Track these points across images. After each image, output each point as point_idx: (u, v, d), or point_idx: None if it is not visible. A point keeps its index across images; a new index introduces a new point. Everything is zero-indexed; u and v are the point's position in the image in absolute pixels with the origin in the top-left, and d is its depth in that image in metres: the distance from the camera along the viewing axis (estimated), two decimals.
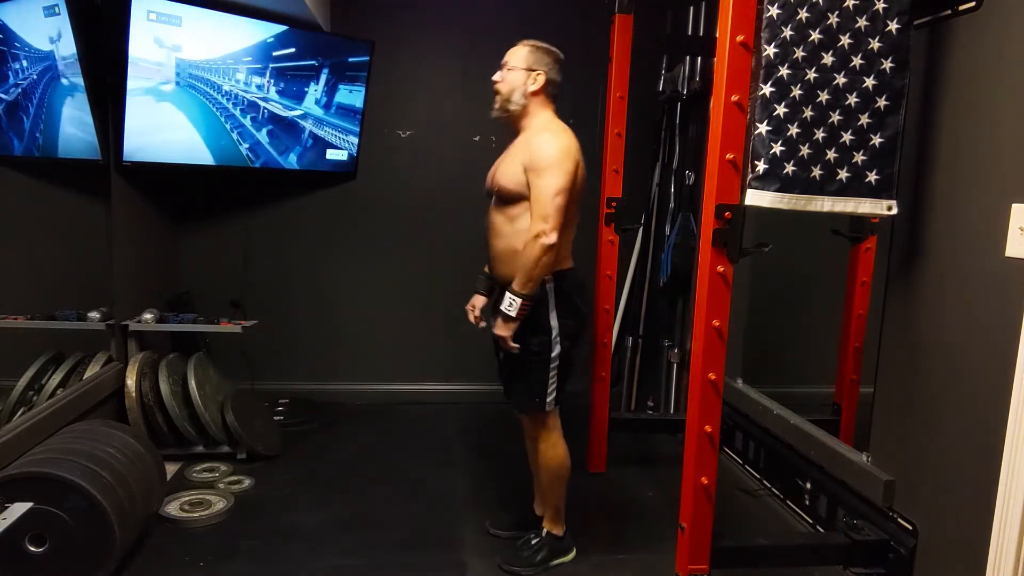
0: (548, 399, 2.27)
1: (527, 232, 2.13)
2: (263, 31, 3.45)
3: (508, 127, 2.35)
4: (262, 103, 3.56)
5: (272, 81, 3.55)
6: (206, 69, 3.33)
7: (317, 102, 3.73)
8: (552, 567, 2.39)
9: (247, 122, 3.55)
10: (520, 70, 2.26)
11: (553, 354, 2.23)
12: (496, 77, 2.31)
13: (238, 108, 3.49)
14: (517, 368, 2.28)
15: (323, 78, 3.70)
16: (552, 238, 2.08)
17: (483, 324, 2.51)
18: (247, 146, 3.59)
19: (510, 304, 2.12)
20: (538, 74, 2.25)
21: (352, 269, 4.11)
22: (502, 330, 2.17)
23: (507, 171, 2.23)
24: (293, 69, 3.60)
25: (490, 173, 2.36)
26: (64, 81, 2.85)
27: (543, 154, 2.13)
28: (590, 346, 3.13)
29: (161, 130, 3.26)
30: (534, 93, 2.26)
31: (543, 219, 2.09)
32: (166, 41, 3.15)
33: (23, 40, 2.78)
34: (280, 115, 3.64)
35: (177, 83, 3.25)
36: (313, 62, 3.65)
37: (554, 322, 2.22)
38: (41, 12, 2.76)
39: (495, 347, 2.37)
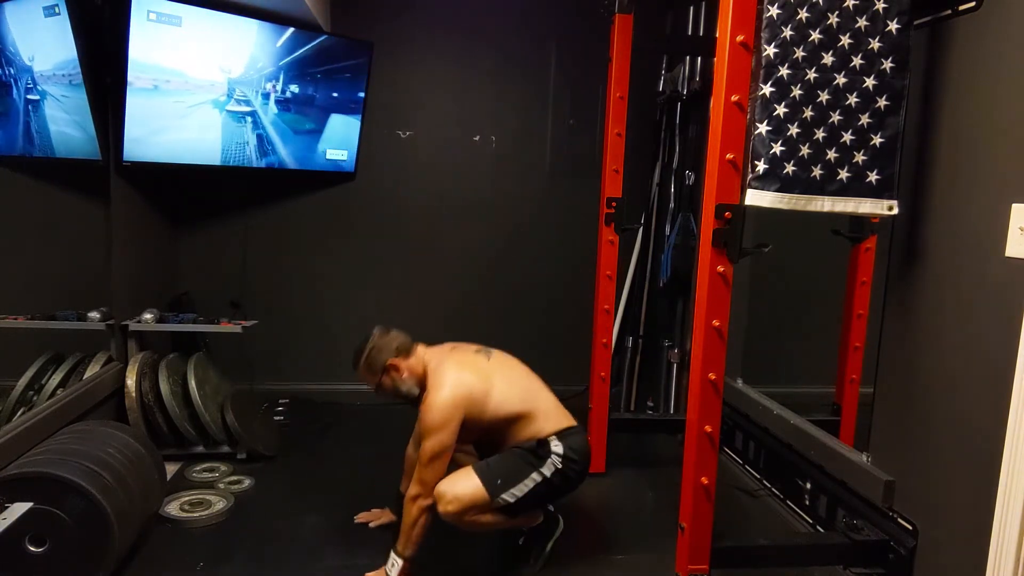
0: (506, 496, 2.19)
1: (501, 436, 2.27)
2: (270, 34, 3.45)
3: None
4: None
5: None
6: (247, 83, 3.46)
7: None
8: (550, 549, 2.40)
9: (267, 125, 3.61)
10: (380, 378, 2.32)
11: (542, 469, 2.24)
12: (380, 398, 2.40)
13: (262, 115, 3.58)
14: (508, 452, 2.28)
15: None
16: (429, 502, 2.15)
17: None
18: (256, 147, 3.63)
19: (392, 565, 2.17)
20: (388, 366, 2.30)
21: (352, 269, 4.11)
22: None
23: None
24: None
25: None
26: (42, 90, 2.86)
27: (424, 420, 2.19)
28: (590, 346, 3.14)
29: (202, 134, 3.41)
30: (402, 375, 2.31)
31: (420, 483, 2.16)
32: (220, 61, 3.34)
33: (12, 48, 2.78)
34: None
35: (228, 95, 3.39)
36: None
37: (556, 459, 2.25)
38: (41, 12, 2.76)
39: None
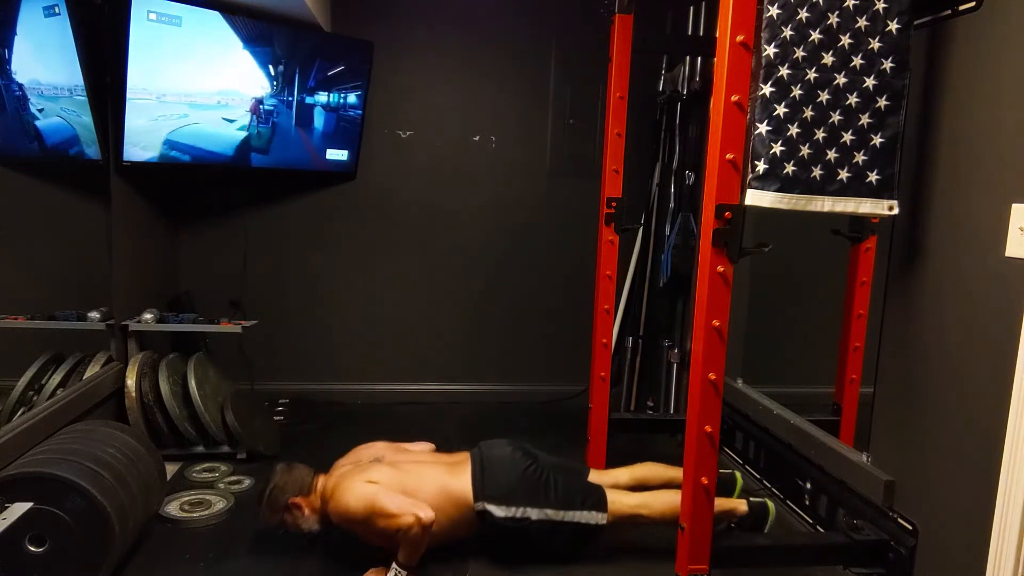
0: (501, 518, 2.31)
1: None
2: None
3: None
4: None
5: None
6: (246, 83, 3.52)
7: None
8: None
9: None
10: (283, 516, 2.34)
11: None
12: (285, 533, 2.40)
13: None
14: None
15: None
16: (423, 522, 2.18)
17: None
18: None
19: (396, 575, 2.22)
20: (288, 504, 2.32)
21: (352, 269, 4.11)
22: None
23: None
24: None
25: None
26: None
27: (355, 516, 2.25)
28: (590, 346, 3.14)
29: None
30: (303, 512, 2.34)
31: (403, 518, 2.20)
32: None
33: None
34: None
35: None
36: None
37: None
38: (41, 13, 2.76)
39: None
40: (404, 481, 2.32)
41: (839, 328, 2.98)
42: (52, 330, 3.10)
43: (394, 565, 2.22)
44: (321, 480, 2.41)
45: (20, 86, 2.83)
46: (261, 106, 3.57)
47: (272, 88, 3.57)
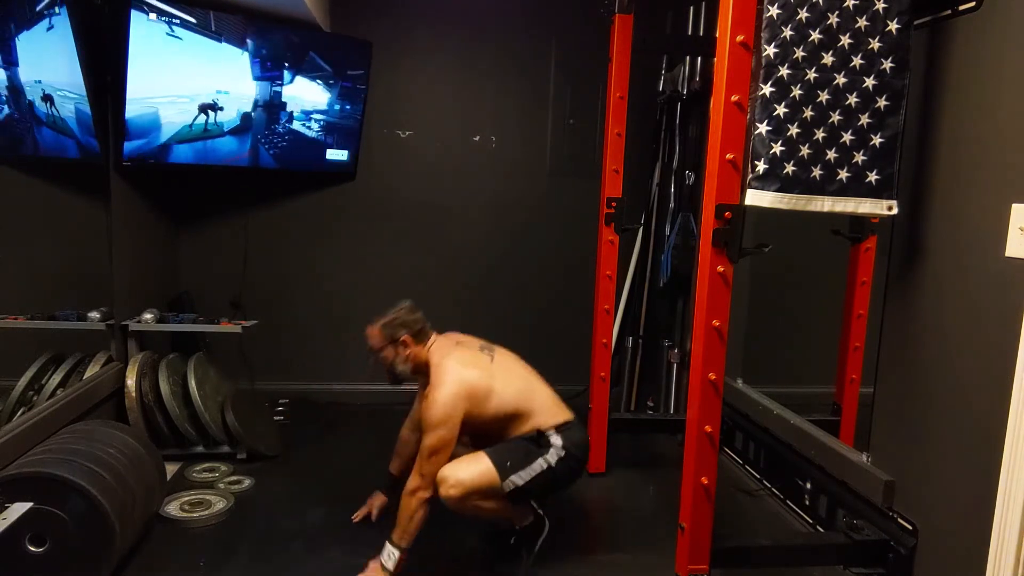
0: (515, 479, 2.24)
1: (489, 429, 2.30)
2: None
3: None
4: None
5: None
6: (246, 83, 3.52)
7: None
8: (538, 549, 2.41)
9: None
10: (386, 347, 2.40)
11: (547, 456, 2.28)
12: (371, 361, 2.47)
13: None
14: (513, 440, 2.31)
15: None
16: (428, 494, 2.20)
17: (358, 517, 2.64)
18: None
19: (389, 556, 2.20)
20: (399, 339, 2.38)
21: (352, 269, 4.11)
22: None
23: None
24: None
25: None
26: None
27: (425, 415, 2.23)
28: (590, 346, 3.14)
29: None
30: (405, 354, 2.39)
31: (420, 476, 2.21)
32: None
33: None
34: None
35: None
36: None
37: (559, 449, 2.29)
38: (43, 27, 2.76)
39: None
40: (521, 387, 2.36)
41: (839, 328, 2.98)
42: (52, 330, 3.10)
43: (388, 545, 2.20)
44: (433, 337, 2.42)
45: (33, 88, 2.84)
46: (260, 106, 3.56)
47: (271, 88, 3.57)
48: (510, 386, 2.33)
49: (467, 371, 2.29)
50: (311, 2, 3.32)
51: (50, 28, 2.74)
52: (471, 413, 2.24)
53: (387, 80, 3.94)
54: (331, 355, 4.14)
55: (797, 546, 2.32)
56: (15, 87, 2.76)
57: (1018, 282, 1.68)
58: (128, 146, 3.17)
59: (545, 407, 2.36)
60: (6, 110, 2.76)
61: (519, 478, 2.24)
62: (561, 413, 2.37)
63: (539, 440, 2.30)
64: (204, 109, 3.39)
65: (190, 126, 3.37)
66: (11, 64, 2.73)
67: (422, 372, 2.41)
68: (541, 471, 2.26)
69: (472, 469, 2.22)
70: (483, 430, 2.34)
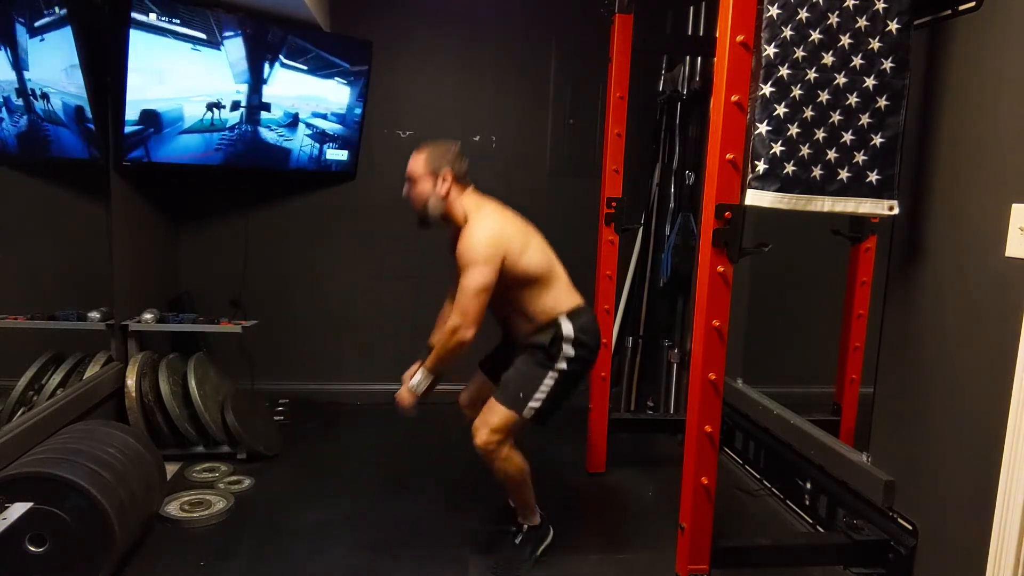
0: (532, 404, 2.26)
1: (514, 306, 2.30)
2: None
3: (443, 228, 2.42)
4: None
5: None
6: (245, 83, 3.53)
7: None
8: (540, 555, 2.42)
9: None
10: (426, 177, 2.30)
11: (557, 365, 2.27)
12: (405, 192, 2.37)
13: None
14: (520, 367, 2.31)
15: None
16: (467, 334, 2.19)
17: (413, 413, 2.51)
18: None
19: (420, 382, 2.28)
20: (444, 173, 2.29)
21: (352, 269, 4.11)
22: (404, 400, 2.28)
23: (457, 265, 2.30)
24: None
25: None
26: None
27: (467, 252, 2.21)
28: None
29: None
30: (443, 190, 2.30)
31: (461, 314, 2.19)
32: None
33: None
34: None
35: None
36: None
37: (568, 349, 2.27)
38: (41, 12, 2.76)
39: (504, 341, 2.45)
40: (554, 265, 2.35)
41: (839, 328, 2.98)
42: (52, 330, 3.10)
43: (421, 369, 2.29)
44: (471, 190, 2.37)
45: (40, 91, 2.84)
46: (260, 105, 3.56)
47: (270, 88, 3.56)
48: (540, 251, 2.32)
49: (507, 220, 2.29)
50: (311, 2, 3.32)
51: (48, 30, 2.75)
52: (506, 262, 2.22)
53: (387, 80, 3.93)
54: (331, 355, 4.14)
55: (797, 546, 2.32)
56: (26, 92, 2.77)
57: (1018, 282, 1.68)
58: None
59: (562, 284, 2.34)
60: (24, 118, 2.78)
61: (536, 402, 2.26)
62: (574, 297, 2.36)
63: (551, 348, 2.27)
64: (211, 107, 3.40)
65: (200, 121, 3.39)
66: (21, 69, 2.73)
67: (452, 219, 2.33)
68: (554, 383, 2.27)
69: (494, 414, 2.26)
70: (507, 294, 2.29)
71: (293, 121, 3.69)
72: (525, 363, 2.31)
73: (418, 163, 2.30)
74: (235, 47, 3.39)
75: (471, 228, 2.24)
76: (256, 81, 3.51)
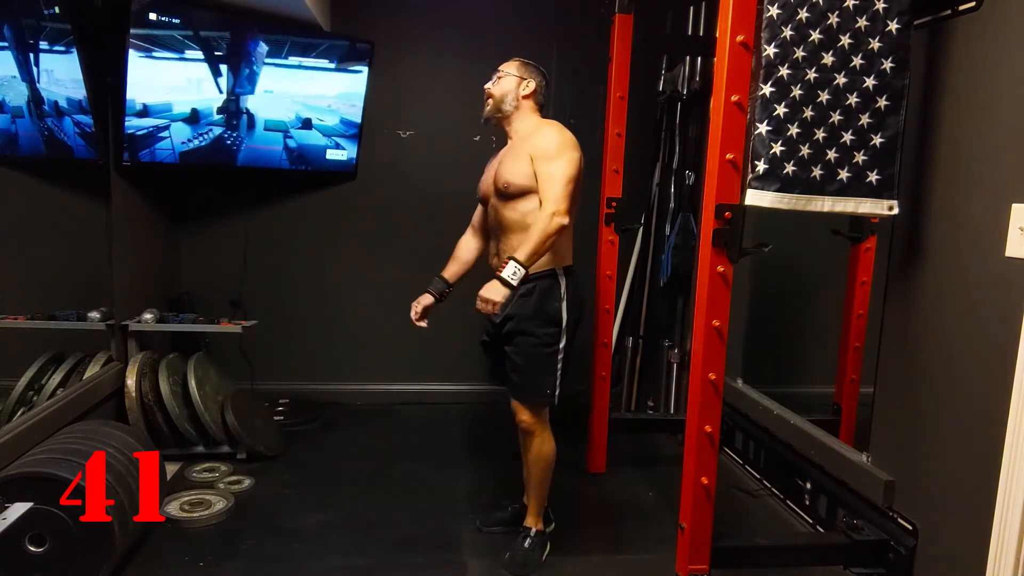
0: (557, 391, 2.34)
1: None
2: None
3: (498, 131, 2.48)
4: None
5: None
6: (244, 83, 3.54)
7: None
8: (544, 560, 2.43)
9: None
10: (512, 76, 2.40)
11: (561, 344, 2.32)
12: (488, 84, 2.44)
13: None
14: (527, 359, 2.32)
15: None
16: (566, 220, 2.18)
17: (423, 324, 2.57)
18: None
19: (514, 272, 2.15)
20: (529, 81, 2.40)
21: (352, 269, 4.11)
22: (496, 295, 2.15)
23: (514, 168, 2.29)
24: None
25: (485, 178, 2.45)
26: None
27: (552, 143, 2.25)
28: (590, 346, 3.14)
29: None
30: (525, 97, 2.40)
31: (556, 201, 2.17)
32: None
33: None
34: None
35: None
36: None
37: (564, 313, 2.32)
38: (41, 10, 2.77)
39: (490, 341, 2.45)
40: None
41: (839, 328, 2.98)
42: (52, 330, 3.10)
43: (512, 262, 2.14)
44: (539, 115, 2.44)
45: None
46: (259, 105, 3.56)
47: (269, 88, 3.56)
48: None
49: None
50: (311, 2, 3.32)
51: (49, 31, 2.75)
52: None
53: (387, 80, 3.93)
54: (331, 355, 4.14)
55: (797, 546, 2.32)
56: (39, 98, 2.78)
57: (1018, 282, 1.68)
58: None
59: (570, 236, 2.36)
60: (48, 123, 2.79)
61: (556, 387, 2.34)
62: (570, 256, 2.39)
63: (553, 328, 2.31)
64: (212, 108, 3.41)
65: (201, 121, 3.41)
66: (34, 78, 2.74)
67: (513, 126, 2.39)
68: (560, 360, 2.33)
69: (524, 411, 2.35)
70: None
71: (293, 121, 3.69)
72: (535, 361, 2.32)
73: (512, 63, 2.42)
74: (234, 47, 3.39)
75: (551, 127, 2.31)
76: (256, 81, 3.51)
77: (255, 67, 3.48)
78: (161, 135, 3.29)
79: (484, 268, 2.43)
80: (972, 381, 1.82)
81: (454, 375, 4.18)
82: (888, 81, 1.83)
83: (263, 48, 3.48)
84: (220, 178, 3.83)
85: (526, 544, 2.42)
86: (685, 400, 2.91)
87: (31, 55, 2.72)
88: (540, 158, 2.23)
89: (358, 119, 3.86)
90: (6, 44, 2.65)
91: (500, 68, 2.43)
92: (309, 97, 3.70)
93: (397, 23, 3.90)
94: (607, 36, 2.98)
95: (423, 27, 3.93)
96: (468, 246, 2.66)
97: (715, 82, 1.88)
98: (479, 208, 2.60)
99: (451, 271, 2.65)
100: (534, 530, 2.44)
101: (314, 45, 3.64)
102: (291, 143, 3.72)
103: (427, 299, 2.60)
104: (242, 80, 3.46)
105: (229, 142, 3.53)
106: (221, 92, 3.41)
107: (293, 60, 3.60)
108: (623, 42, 2.92)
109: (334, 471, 3.18)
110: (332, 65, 3.70)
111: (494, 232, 2.41)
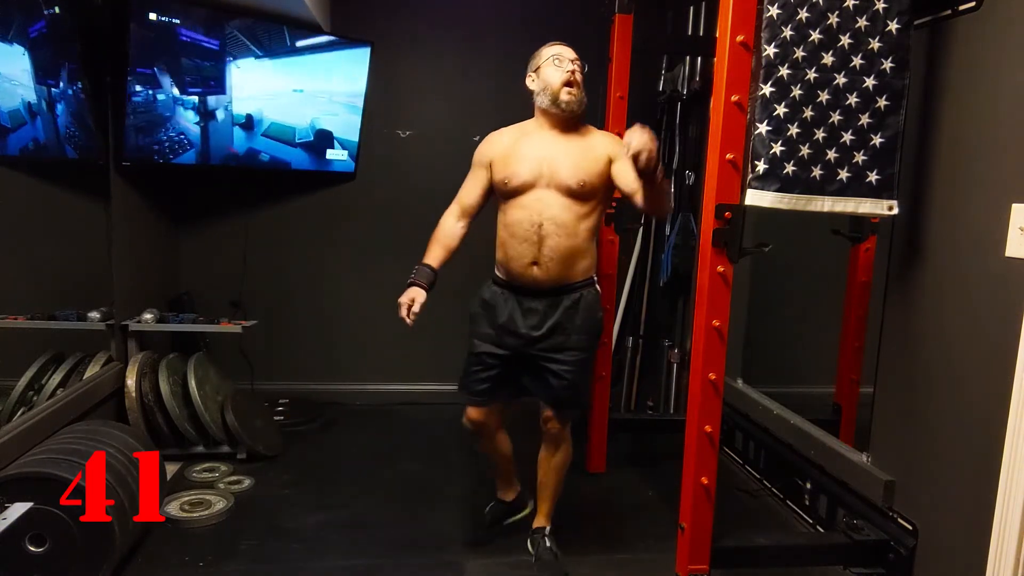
0: (588, 398, 2.49)
1: (588, 235, 2.26)
2: None
3: (558, 122, 2.40)
4: None
5: None
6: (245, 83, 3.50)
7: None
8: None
9: None
10: (581, 73, 2.36)
11: (594, 351, 2.40)
12: (576, 70, 2.34)
13: None
14: (577, 373, 2.29)
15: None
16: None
17: (411, 321, 2.36)
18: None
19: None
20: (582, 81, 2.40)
21: (352, 269, 4.10)
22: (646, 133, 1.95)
23: (591, 168, 2.25)
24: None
25: (533, 166, 2.33)
26: None
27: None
28: None
29: None
30: (579, 90, 2.39)
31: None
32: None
33: None
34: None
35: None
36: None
37: (599, 317, 2.37)
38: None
39: (511, 355, 2.40)
40: None
41: (839, 328, 2.98)
42: (52, 330, 3.09)
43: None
44: None
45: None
46: (259, 105, 3.56)
47: (270, 88, 3.56)
48: None
49: None
50: (311, 2, 3.32)
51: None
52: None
53: (387, 80, 3.93)
54: (331, 355, 4.14)
55: (797, 546, 2.32)
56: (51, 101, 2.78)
57: (1018, 282, 1.68)
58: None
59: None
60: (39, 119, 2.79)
61: (587, 394, 2.52)
62: None
63: (596, 291, 2.32)
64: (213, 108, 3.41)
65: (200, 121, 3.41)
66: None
67: (578, 120, 2.40)
68: (591, 368, 2.46)
69: (565, 422, 2.36)
70: (592, 214, 2.28)
71: (292, 121, 3.69)
72: (580, 371, 2.31)
73: (566, 51, 2.39)
74: (233, 46, 3.39)
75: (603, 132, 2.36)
76: (255, 81, 3.51)
77: (255, 67, 3.48)
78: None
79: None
80: (972, 381, 1.82)
81: (454, 375, 4.17)
82: (888, 81, 1.83)
83: (263, 48, 3.48)
84: (220, 178, 3.83)
85: (548, 544, 2.42)
86: (685, 400, 2.91)
87: (31, 54, 2.72)
88: (621, 157, 2.15)
89: (358, 119, 3.86)
90: (6, 42, 2.65)
91: (578, 59, 2.32)
92: (309, 97, 3.70)
93: (397, 23, 3.90)
94: (607, 36, 2.98)
95: (423, 27, 3.93)
96: (453, 230, 2.53)
97: (715, 82, 1.88)
98: (476, 191, 2.52)
99: (436, 256, 2.50)
100: (548, 528, 2.45)
101: (314, 45, 3.64)
102: (291, 143, 3.72)
103: (420, 295, 2.40)
104: (242, 81, 3.47)
105: (229, 142, 3.53)
106: (224, 92, 3.42)
107: (293, 60, 3.60)
108: (623, 42, 2.92)
109: (334, 471, 3.18)
110: (331, 65, 3.71)
111: (530, 234, 2.27)
